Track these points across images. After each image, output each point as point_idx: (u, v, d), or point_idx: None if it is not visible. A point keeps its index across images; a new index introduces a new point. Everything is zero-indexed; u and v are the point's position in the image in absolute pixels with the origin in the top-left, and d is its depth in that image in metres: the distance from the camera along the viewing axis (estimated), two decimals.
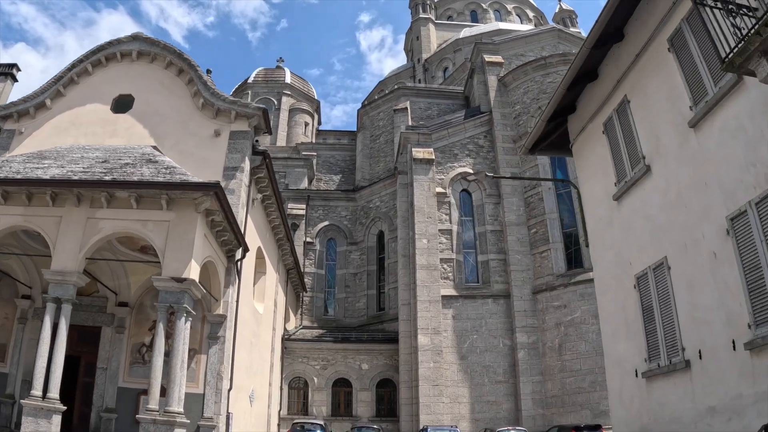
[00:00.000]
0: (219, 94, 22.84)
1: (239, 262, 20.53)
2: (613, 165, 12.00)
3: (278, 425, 30.68)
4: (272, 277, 28.87)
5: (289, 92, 54.80)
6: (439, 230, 33.67)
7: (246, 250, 20.79)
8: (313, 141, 50.64)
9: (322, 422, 28.04)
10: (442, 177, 35.31)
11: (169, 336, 15.85)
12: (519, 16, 68.09)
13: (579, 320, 30.47)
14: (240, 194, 21.16)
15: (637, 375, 10.80)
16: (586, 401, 29.07)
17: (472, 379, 30.96)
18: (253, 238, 23.43)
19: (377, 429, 27.60)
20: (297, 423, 27.32)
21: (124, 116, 23.14)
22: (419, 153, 35.00)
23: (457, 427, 26.95)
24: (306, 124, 53.20)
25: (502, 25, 59.25)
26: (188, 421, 15.66)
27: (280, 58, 79.69)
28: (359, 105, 68.13)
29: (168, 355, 15.70)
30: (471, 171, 35.74)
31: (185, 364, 15.94)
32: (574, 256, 32.29)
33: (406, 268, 33.43)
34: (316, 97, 57.31)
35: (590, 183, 13.54)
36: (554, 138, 14.92)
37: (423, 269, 32.22)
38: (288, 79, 55.64)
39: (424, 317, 31.29)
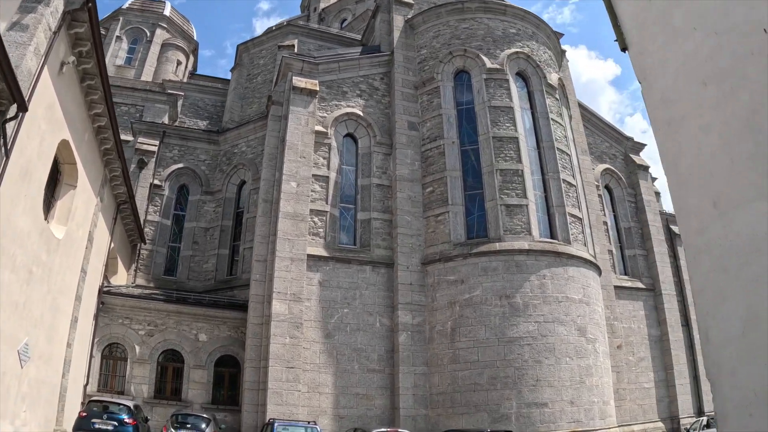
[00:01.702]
0: None
1: (8, 124, 12.98)
2: None
3: (82, 403, 22.52)
4: (88, 199, 21.20)
5: (165, 26, 49.40)
6: (314, 175, 27.45)
7: (23, 109, 13.21)
8: (184, 81, 43.64)
9: (130, 404, 20.18)
10: (325, 115, 29.24)
11: None
12: None
13: (479, 300, 25.43)
14: (35, 34, 13.75)
15: None
16: (483, 401, 24.20)
17: (339, 365, 24.89)
18: (53, 119, 15.97)
19: (207, 419, 20.71)
20: (94, 401, 19.83)
21: None
22: (301, 82, 28.80)
23: (316, 424, 20.50)
24: (178, 63, 48.28)
25: None
26: None
27: None
28: None
29: None
30: (360, 113, 29.88)
31: None
32: (477, 223, 27.28)
33: (266, 216, 26.86)
34: (195, 38, 50.87)
35: None
36: None
37: (288, 218, 25.75)
38: (167, 11, 50.46)
39: (283, 279, 24.76)
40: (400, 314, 25.83)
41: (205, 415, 21.16)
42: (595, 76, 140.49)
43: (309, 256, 25.73)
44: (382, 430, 20.30)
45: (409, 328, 25.76)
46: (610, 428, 26.44)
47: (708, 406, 41.72)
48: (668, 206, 43.66)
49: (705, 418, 29.50)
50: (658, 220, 38.57)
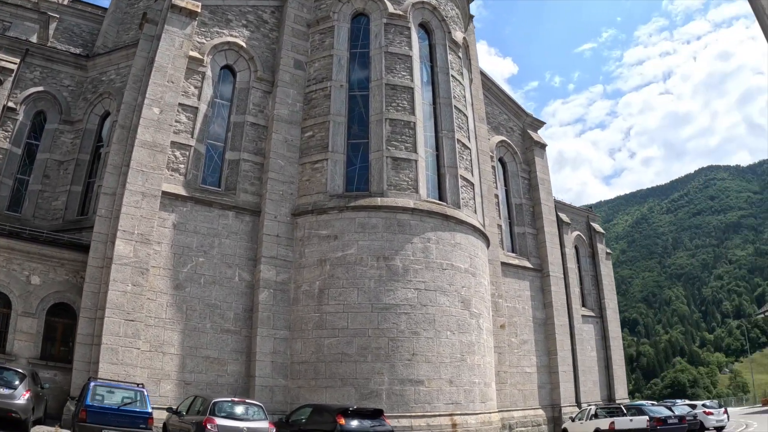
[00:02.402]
0: None
1: None
2: None
3: None
4: None
5: None
6: (181, 104, 23.74)
7: None
8: (63, 3, 38.32)
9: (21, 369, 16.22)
10: (204, 41, 25.54)
11: None
12: None
13: (353, 259, 22.72)
14: None
15: None
16: (350, 374, 21.61)
17: (189, 321, 21.47)
18: None
19: (22, 374, 16.76)
20: None
21: None
22: (181, 1, 24.88)
23: (144, 387, 16.94)
24: None
25: None
26: None
27: None
28: None
29: None
30: (243, 45, 26.34)
31: None
32: (359, 175, 24.55)
33: (121, 143, 22.83)
34: None
35: None
36: None
37: (144, 148, 21.96)
38: None
39: (131, 216, 20.97)
40: (263, 269, 22.64)
41: (19, 370, 17.14)
42: (492, 72, 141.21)
43: (164, 193, 22.03)
44: (226, 399, 17.07)
45: (272, 285, 22.63)
46: (490, 413, 24.33)
47: (618, 394, 41.02)
48: (557, 194, 42.42)
49: (593, 407, 27.96)
50: (551, 199, 37.08)
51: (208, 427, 15.61)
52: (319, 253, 23.01)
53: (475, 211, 27.39)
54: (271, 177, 24.03)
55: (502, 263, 31.20)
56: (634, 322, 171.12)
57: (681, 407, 30.29)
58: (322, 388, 21.34)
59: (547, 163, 38.00)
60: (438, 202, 24.94)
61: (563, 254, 37.83)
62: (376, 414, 17.49)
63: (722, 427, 30.50)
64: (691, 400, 38.44)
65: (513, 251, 34.00)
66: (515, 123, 37.70)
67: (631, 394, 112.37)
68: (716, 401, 35.96)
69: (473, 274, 24.91)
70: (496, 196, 33.36)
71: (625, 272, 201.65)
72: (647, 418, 24.42)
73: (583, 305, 43.00)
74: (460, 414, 22.34)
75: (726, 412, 32.34)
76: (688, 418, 27.07)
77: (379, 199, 23.52)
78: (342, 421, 16.22)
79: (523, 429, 29.19)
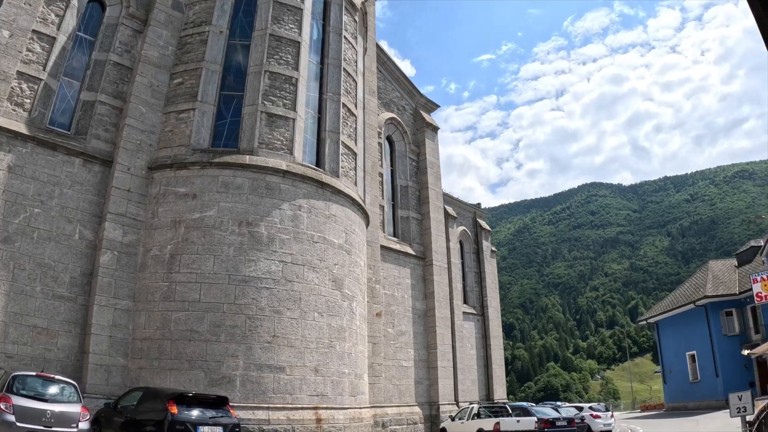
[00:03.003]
0: None
1: None
2: None
3: None
4: None
5: None
6: (37, 32, 19.90)
7: None
8: None
9: None
10: None
11: None
12: None
13: (212, 222, 19.91)
14: None
15: None
16: (200, 356, 18.72)
17: (15, 283, 17.78)
18: None
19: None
20: None
21: None
22: None
23: None
24: None
25: None
26: None
27: None
28: None
29: None
30: None
31: None
32: (229, 131, 21.69)
33: None
34: None
35: None
36: None
37: None
38: None
39: None
40: (108, 227, 19.26)
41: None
42: None
43: (1, 129, 18.36)
44: (30, 373, 13.85)
45: (117, 247, 19.32)
46: (361, 408, 21.89)
47: (497, 394, 39.46)
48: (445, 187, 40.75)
49: (476, 406, 26.04)
50: (439, 185, 35.25)
51: (1, 407, 12.42)
52: (174, 213, 19.90)
53: (356, 184, 25.04)
54: (128, 123, 20.63)
55: (383, 247, 28.97)
56: (511, 327, 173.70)
57: (568, 409, 28.96)
58: (167, 371, 18.29)
59: (437, 147, 36.16)
60: (314, 167, 22.37)
61: (448, 248, 36.13)
62: (220, 402, 14.71)
63: (609, 431, 29.37)
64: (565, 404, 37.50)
65: (395, 236, 31.91)
66: (408, 102, 35.63)
67: (506, 396, 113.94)
68: (603, 404, 34.99)
69: (348, 251, 22.49)
70: (381, 174, 31.15)
71: (504, 278, 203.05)
72: (535, 419, 22.70)
73: (465, 302, 41.82)
74: (326, 408, 19.83)
75: (613, 416, 31.34)
76: (576, 420, 25.65)
77: (247, 157, 20.66)
78: (174, 409, 13.34)
79: (397, 427, 26.97)
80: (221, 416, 14.21)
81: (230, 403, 15.33)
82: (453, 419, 26.47)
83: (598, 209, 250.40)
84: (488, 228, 46.77)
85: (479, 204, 47.43)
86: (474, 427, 24.02)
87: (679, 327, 49.39)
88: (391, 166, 33.55)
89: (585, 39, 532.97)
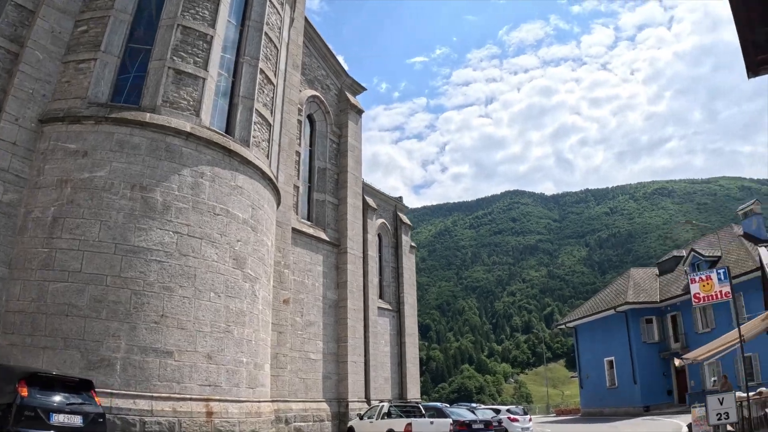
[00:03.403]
0: None
1: None
2: None
3: None
4: None
5: None
6: None
7: None
8: None
9: None
10: None
11: None
12: None
13: (102, 184, 17.81)
14: None
15: None
16: (77, 334, 16.35)
17: None
18: None
19: None
20: None
21: None
22: None
23: None
24: None
25: None
26: None
27: None
28: None
29: None
30: None
31: None
32: (133, 86, 19.59)
33: None
34: None
35: None
36: None
37: None
38: None
39: None
40: None
41: None
42: None
43: None
44: None
45: None
46: (260, 401, 20.04)
47: (410, 393, 37.99)
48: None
49: (386, 405, 24.38)
50: (359, 170, 33.66)
51: None
52: (62, 172, 17.54)
53: (269, 158, 23.17)
54: (22, 70, 18.10)
55: (295, 230, 27.17)
56: (427, 328, 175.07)
57: (484, 411, 27.69)
58: (39, 349, 15.91)
59: (360, 131, 34.54)
60: (222, 133, 20.35)
61: (365, 239, 34.60)
62: (83, 387, 12.70)
63: None
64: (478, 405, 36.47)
65: (309, 220, 30.15)
66: (333, 82, 33.87)
67: (420, 396, 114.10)
68: (521, 407, 33.66)
69: (254, 228, 20.59)
70: (298, 153, 29.33)
71: (423, 279, 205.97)
72: (450, 421, 21.22)
73: (381, 297, 40.59)
74: (219, 400, 17.89)
75: (531, 419, 30.30)
76: (494, 423, 24.31)
77: (148, 114, 18.48)
78: (24, 391, 11.28)
79: (302, 424, 25.21)
80: (83, 403, 12.21)
81: (110, 389, 13.33)
82: (362, 418, 24.75)
83: (519, 216, 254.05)
84: (409, 223, 45.57)
85: (401, 197, 46.06)
86: (384, 428, 22.34)
87: (598, 332, 49.38)
88: (311, 146, 31.75)
89: (519, 49, 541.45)
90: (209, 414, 17.37)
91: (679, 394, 43.55)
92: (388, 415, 23.01)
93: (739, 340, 20.67)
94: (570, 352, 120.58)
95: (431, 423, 21.26)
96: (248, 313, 19.63)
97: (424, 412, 22.60)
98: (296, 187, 28.67)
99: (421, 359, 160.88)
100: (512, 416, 28.28)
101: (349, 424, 25.86)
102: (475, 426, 22.19)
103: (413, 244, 46.06)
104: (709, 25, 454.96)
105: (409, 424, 21.23)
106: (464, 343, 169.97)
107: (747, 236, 41.07)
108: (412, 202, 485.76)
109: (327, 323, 28.80)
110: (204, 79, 19.97)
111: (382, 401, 27.94)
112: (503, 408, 30.73)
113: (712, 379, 40.54)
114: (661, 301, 45.02)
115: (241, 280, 19.45)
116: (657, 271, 51.06)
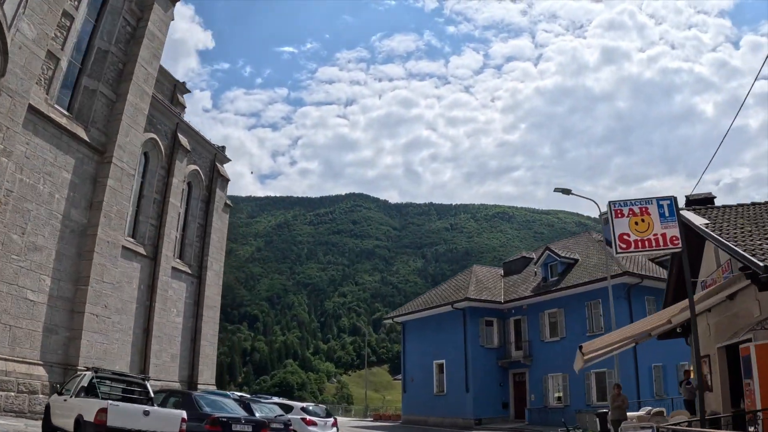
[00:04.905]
0: None
1: None
2: None
3: None
4: None
5: None
6: None
7: None
8: None
9: None
10: None
11: None
12: None
13: None
14: None
15: None
16: None
17: None
18: None
19: None
20: None
21: None
22: None
23: None
24: None
25: None
26: None
27: None
28: None
29: None
30: None
31: None
32: None
33: None
34: None
35: None
36: None
37: None
38: None
39: None
40: None
41: None
42: (186, 38, 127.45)
43: None
44: None
45: None
46: None
47: (203, 377, 29.73)
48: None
49: (90, 375, 15.19)
50: (156, 67, 26.83)
51: None
52: None
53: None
54: None
55: (37, 111, 18.86)
56: (255, 318, 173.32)
57: (270, 406, 19.90)
58: None
59: (169, 22, 26.49)
60: None
61: (169, 184, 26.79)
62: None
63: None
64: (300, 402, 28.16)
65: (69, 109, 21.67)
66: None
67: (240, 387, 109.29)
68: (323, 407, 24.80)
69: None
70: (70, 17, 20.84)
71: (256, 269, 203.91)
72: (182, 415, 13.45)
73: (181, 258, 32.91)
74: None
75: (336, 424, 22.70)
76: (276, 425, 16.85)
77: None
78: None
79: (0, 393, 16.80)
80: None
81: None
82: (60, 393, 15.73)
83: (360, 220, 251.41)
84: (228, 176, 38.11)
85: (224, 147, 38.27)
86: (74, 411, 13.53)
87: (430, 331, 42.77)
88: (95, 21, 23.14)
89: (388, 58, 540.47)
90: None
91: (516, 407, 38.33)
92: (88, 391, 14.27)
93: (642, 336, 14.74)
94: (395, 359, 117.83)
95: (145, 414, 13.06)
96: None
97: (152, 395, 14.67)
98: (56, 59, 20.22)
99: (245, 350, 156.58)
100: (308, 418, 20.75)
101: (48, 400, 16.98)
102: (236, 428, 14.45)
103: (228, 201, 38.53)
104: (575, 69, 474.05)
105: (104, 411, 12.82)
106: (291, 338, 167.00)
107: (608, 242, 36.53)
108: (256, 190, 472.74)
109: (64, 254, 20.42)
110: None
111: (89, 369, 18.18)
112: (297, 405, 22.79)
113: (556, 395, 35.55)
114: (506, 302, 39.91)
115: None
116: (502, 272, 46.07)
